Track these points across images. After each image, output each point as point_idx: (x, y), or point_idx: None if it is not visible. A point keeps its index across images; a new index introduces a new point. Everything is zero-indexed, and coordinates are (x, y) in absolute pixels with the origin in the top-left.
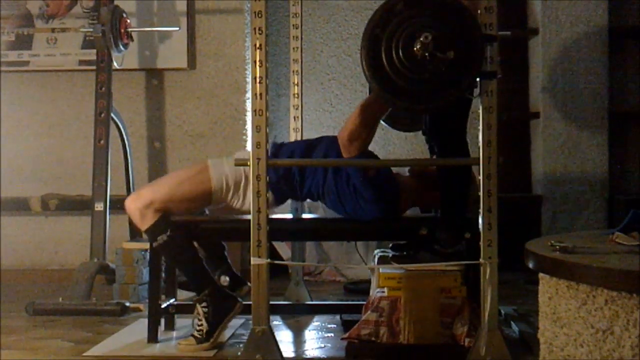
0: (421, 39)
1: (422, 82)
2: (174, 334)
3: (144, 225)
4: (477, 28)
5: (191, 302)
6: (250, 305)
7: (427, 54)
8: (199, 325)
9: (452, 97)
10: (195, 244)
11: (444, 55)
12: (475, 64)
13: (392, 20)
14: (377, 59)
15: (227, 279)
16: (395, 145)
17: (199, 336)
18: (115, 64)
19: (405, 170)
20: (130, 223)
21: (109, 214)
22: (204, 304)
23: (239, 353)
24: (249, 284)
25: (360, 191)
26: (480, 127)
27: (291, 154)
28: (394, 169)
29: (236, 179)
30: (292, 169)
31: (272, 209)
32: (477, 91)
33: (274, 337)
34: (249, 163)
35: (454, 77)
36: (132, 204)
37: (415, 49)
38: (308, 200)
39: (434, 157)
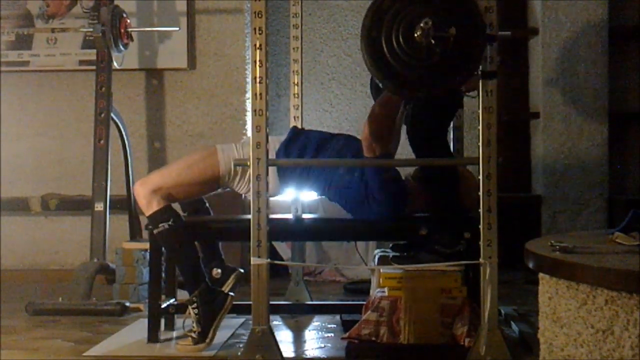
0: (421, 24)
1: (431, 67)
2: (174, 334)
3: (148, 210)
4: (474, 4)
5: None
6: (250, 305)
7: (431, 39)
8: (193, 328)
9: (465, 76)
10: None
11: (447, 33)
12: (479, 41)
13: (384, 17)
14: (380, 56)
15: (219, 271)
16: None
17: (195, 337)
18: (115, 64)
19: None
20: (131, 223)
21: (109, 214)
22: (194, 306)
23: (239, 353)
24: (240, 269)
25: (372, 191)
26: (480, 127)
27: (304, 145)
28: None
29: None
30: (303, 155)
31: (274, 194)
32: (474, 92)
33: (274, 337)
34: (248, 163)
35: (460, 55)
36: (141, 188)
37: (416, 35)
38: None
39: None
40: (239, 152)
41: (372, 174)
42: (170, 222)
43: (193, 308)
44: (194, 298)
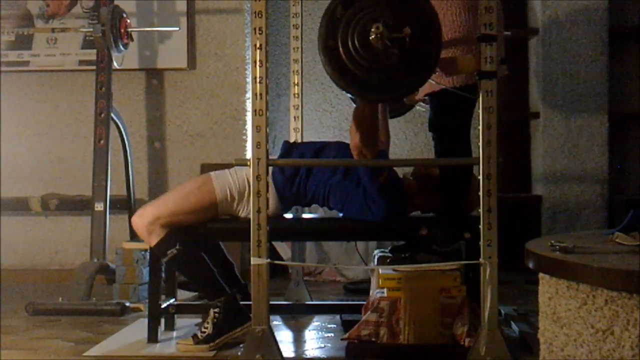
0: (373, 29)
1: (391, 69)
2: (174, 334)
3: (152, 241)
4: (426, 2)
5: (191, 303)
6: (250, 305)
7: (386, 41)
8: (204, 327)
9: (426, 74)
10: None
11: (401, 34)
12: (434, 35)
13: (339, 25)
14: (340, 65)
15: (240, 297)
16: (396, 145)
17: (200, 337)
18: (115, 64)
19: (407, 173)
20: (131, 223)
21: (109, 214)
22: (217, 309)
23: (239, 353)
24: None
25: (370, 193)
26: (480, 127)
27: (300, 157)
28: (399, 173)
29: (240, 188)
30: (299, 171)
31: (276, 214)
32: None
33: (274, 337)
34: (249, 163)
35: (418, 53)
36: (139, 221)
37: (371, 39)
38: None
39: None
40: (233, 177)
41: (368, 179)
42: (177, 247)
43: (215, 311)
44: (218, 303)
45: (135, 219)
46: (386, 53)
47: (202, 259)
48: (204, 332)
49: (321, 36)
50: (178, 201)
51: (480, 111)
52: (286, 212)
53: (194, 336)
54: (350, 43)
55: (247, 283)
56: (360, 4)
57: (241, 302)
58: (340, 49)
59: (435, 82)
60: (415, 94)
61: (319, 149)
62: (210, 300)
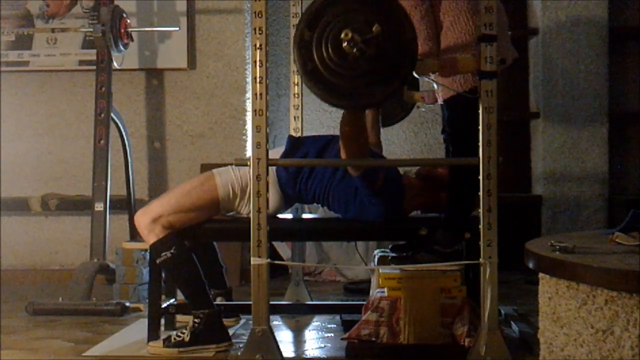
0: (342, 36)
1: (373, 72)
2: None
3: (150, 239)
4: (395, 3)
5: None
6: (250, 305)
7: (360, 44)
8: (181, 333)
9: (408, 70)
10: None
11: (371, 35)
12: (407, 33)
13: (311, 48)
14: (325, 85)
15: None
16: (395, 145)
17: (172, 341)
18: (115, 64)
19: (409, 171)
20: (131, 223)
21: (109, 214)
22: (198, 320)
23: (239, 353)
24: (240, 317)
25: (365, 196)
26: (480, 127)
27: (305, 154)
28: (401, 170)
29: (242, 185)
30: (302, 170)
31: (278, 211)
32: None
33: (274, 337)
34: (249, 163)
35: (395, 52)
36: (141, 218)
37: (344, 47)
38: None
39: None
40: (236, 173)
41: (362, 186)
42: (172, 251)
43: (195, 320)
44: (201, 314)
45: (138, 216)
46: (364, 57)
47: (195, 268)
48: (179, 337)
49: (299, 63)
50: (180, 198)
51: (480, 111)
52: (288, 208)
53: (166, 339)
54: (328, 60)
55: (232, 288)
56: (325, 21)
57: (225, 303)
58: (321, 68)
59: (447, 87)
60: (420, 95)
61: (323, 145)
62: (194, 310)
